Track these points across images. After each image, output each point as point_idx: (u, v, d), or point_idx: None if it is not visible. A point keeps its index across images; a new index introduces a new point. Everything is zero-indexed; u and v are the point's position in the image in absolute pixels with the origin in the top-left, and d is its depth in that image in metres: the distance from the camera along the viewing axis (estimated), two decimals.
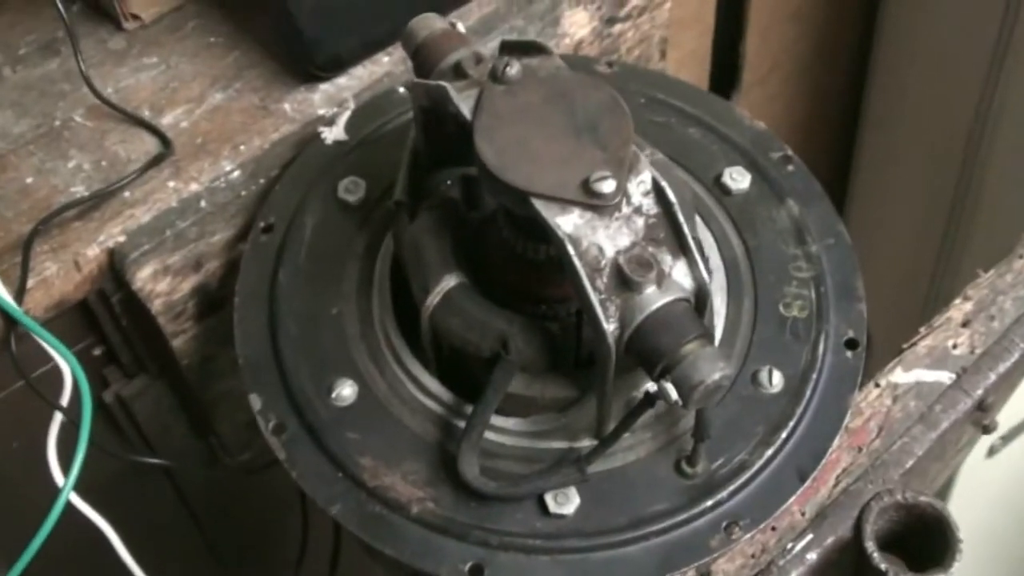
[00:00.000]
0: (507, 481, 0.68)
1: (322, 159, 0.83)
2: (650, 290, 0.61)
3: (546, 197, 0.61)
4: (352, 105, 0.86)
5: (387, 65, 0.92)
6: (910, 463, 0.74)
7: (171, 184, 0.85)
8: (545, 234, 0.66)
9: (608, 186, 0.61)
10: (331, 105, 0.89)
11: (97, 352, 0.93)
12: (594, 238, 0.61)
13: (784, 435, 0.70)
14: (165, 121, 0.88)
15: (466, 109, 0.65)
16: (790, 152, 0.83)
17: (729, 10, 1.22)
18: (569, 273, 0.61)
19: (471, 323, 0.68)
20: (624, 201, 0.62)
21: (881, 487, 0.73)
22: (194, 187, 0.85)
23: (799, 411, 0.71)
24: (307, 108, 0.89)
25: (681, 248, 0.63)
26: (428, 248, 0.70)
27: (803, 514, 0.72)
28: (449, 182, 0.76)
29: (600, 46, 0.98)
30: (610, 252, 0.61)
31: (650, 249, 0.62)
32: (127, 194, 0.84)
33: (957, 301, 0.80)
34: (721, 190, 0.80)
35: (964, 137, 1.29)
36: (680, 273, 0.63)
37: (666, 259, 0.62)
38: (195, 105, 0.90)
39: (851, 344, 0.74)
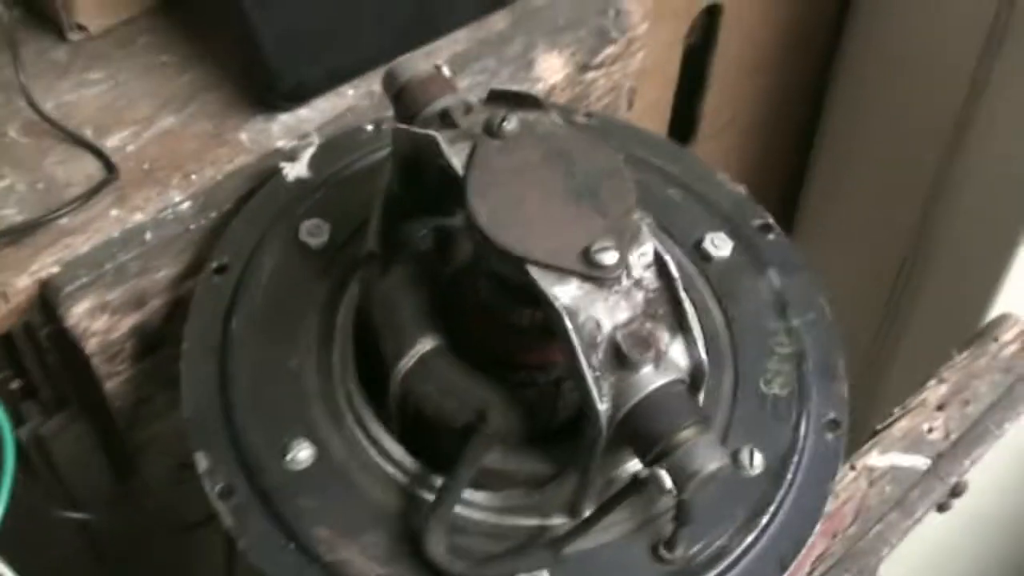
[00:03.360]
0: (473, 561, 0.63)
1: (282, 197, 0.77)
2: (647, 370, 0.58)
3: (543, 265, 0.57)
4: (316, 140, 0.81)
5: (351, 99, 0.87)
6: (885, 551, 0.71)
7: (113, 213, 0.78)
8: (530, 299, 0.63)
9: (610, 257, 0.57)
10: (291, 137, 0.83)
11: (13, 386, 0.86)
12: (592, 311, 0.57)
13: (765, 520, 0.67)
14: (110, 143, 0.82)
15: (458, 163, 0.61)
16: (771, 220, 0.80)
17: (693, 61, 1.21)
18: (564, 347, 0.57)
19: (447, 391, 0.63)
20: (625, 273, 0.58)
21: None
22: (139, 217, 0.78)
23: (780, 495, 0.68)
24: (265, 139, 0.83)
25: (680, 326, 0.59)
26: (402, 306, 0.65)
27: None
28: (423, 233, 0.71)
29: (572, 93, 0.95)
30: (607, 327, 0.58)
31: (648, 325, 0.58)
32: (64, 221, 0.77)
33: (932, 383, 0.79)
34: (701, 256, 0.77)
35: (916, 206, 1.30)
36: (677, 352, 0.59)
37: (663, 336, 0.59)
38: (143, 128, 0.83)
39: (832, 425, 0.71)
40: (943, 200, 1.27)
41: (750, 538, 0.66)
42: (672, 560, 0.65)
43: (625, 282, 0.58)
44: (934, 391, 0.78)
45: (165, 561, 1.15)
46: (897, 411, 0.77)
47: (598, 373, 0.57)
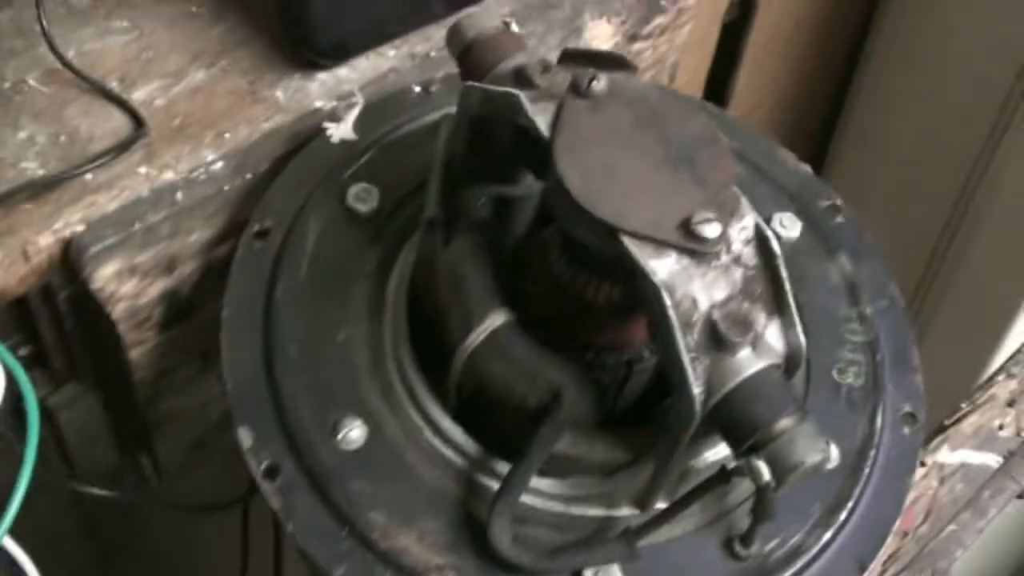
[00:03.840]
0: (539, 552, 0.59)
1: (327, 160, 0.72)
2: (744, 353, 0.53)
3: (639, 236, 0.53)
4: (361, 101, 0.76)
5: (393, 60, 0.82)
6: (959, 553, 0.68)
7: (142, 170, 0.73)
8: (607, 274, 0.58)
9: (712, 230, 0.53)
10: (330, 98, 0.78)
11: (23, 353, 0.80)
12: (689, 288, 0.53)
13: (843, 516, 0.63)
14: (136, 97, 0.76)
15: (542, 124, 0.56)
16: (839, 201, 0.76)
17: (728, 40, 1.17)
18: (659, 326, 0.53)
19: (520, 370, 0.59)
20: (724, 249, 0.54)
21: None
22: (169, 175, 0.73)
23: (857, 490, 0.64)
24: (303, 98, 0.78)
25: (778, 307, 0.55)
26: (470, 277, 0.61)
27: None
28: (481, 201, 0.67)
29: None
30: (704, 306, 0.53)
31: (745, 305, 0.54)
32: (89, 177, 0.72)
33: (1001, 378, 0.75)
34: None
35: (948, 196, 1.27)
36: (773, 335, 0.55)
37: (760, 318, 0.55)
38: (172, 82, 0.78)
39: (909, 419, 0.68)
40: (979, 189, 1.24)
41: (827, 535, 0.63)
42: (747, 557, 0.61)
43: (724, 258, 0.54)
44: (1003, 386, 0.74)
45: (162, 542, 1.10)
46: (965, 406, 0.74)
47: (693, 355, 0.53)
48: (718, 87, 1.25)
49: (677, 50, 0.96)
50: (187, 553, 1.13)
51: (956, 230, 1.28)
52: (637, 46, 0.92)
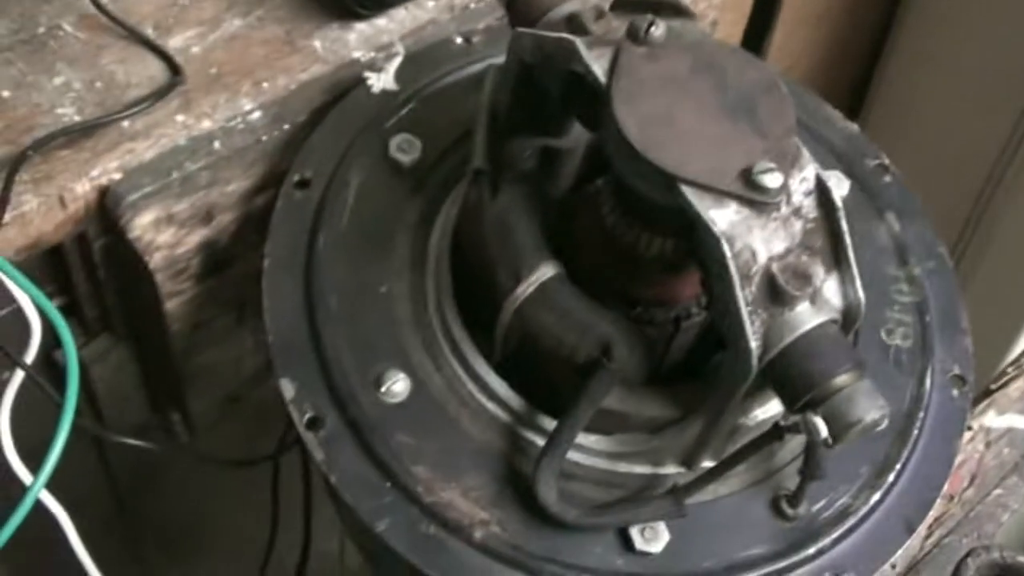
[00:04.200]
0: (585, 508, 0.58)
1: (369, 110, 0.71)
2: (802, 307, 0.52)
3: (699, 185, 0.52)
4: (402, 51, 0.75)
5: (432, 11, 0.80)
6: (1005, 517, 0.67)
7: (179, 118, 0.72)
8: (664, 226, 0.57)
9: (774, 180, 0.51)
10: (368, 49, 0.77)
11: (56, 303, 0.79)
12: (748, 239, 0.52)
13: (891, 478, 0.62)
14: (172, 44, 0.75)
15: (599, 70, 0.55)
16: (887, 161, 0.75)
17: (763, 3, 1.15)
18: (718, 278, 0.52)
19: (570, 322, 0.57)
20: (785, 200, 0.53)
21: (976, 542, 0.66)
22: (207, 124, 0.72)
23: (906, 453, 0.63)
24: (341, 49, 0.77)
25: (836, 261, 0.54)
26: (519, 229, 0.59)
27: (894, 567, 0.65)
28: (527, 154, 0.65)
29: None
30: (763, 258, 0.52)
31: (804, 258, 0.53)
32: (126, 124, 0.71)
33: None
34: None
35: (981, 166, 1.25)
36: (831, 289, 0.54)
37: (819, 272, 0.54)
38: (208, 29, 0.77)
39: (958, 381, 0.67)
40: (1019, 153, 1.22)
41: (876, 497, 0.62)
42: (795, 516, 0.60)
43: (784, 209, 0.53)
44: None
45: (190, 501, 1.10)
46: (1011, 370, 0.73)
47: (751, 308, 0.52)
48: (751, 49, 1.23)
49: (716, 8, 0.95)
50: (216, 513, 1.12)
51: (992, 196, 1.27)
52: None
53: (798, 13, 1.21)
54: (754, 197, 0.52)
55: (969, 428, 0.70)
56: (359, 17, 0.78)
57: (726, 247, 0.51)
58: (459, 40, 0.76)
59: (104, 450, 0.98)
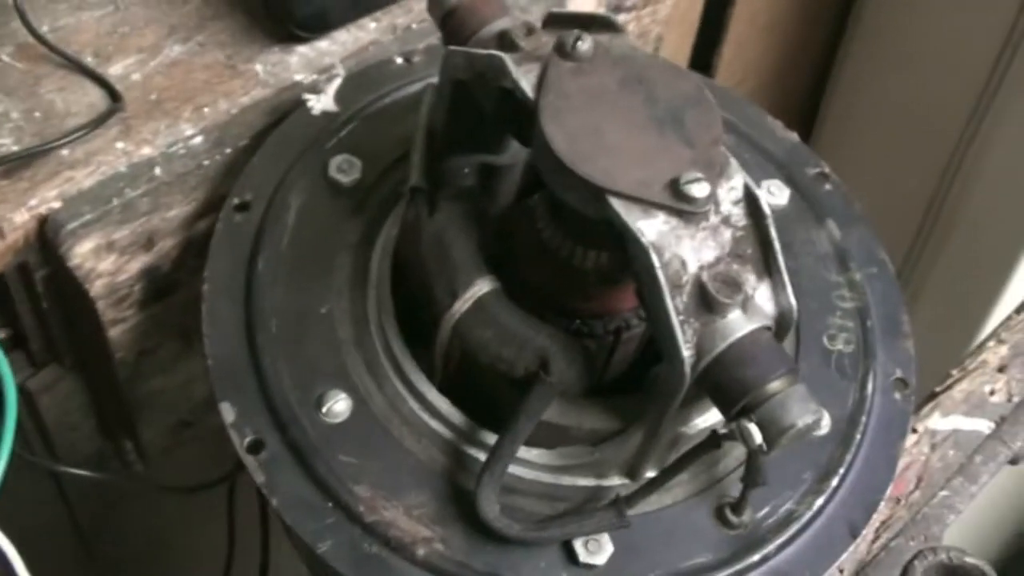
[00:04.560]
0: (529, 522, 0.58)
1: (309, 131, 0.71)
2: (734, 314, 0.53)
3: (627, 197, 0.52)
4: (342, 72, 0.75)
5: (374, 32, 0.80)
6: (951, 519, 0.67)
7: (119, 145, 0.72)
8: (598, 239, 0.57)
9: (700, 189, 0.52)
10: (310, 71, 0.77)
11: (0, 336, 0.79)
12: (677, 249, 0.52)
13: (835, 483, 0.63)
14: (112, 71, 0.75)
15: (527, 86, 0.55)
16: (827, 169, 0.76)
17: (713, 12, 1.16)
18: (648, 288, 0.52)
19: (507, 337, 0.58)
20: (713, 209, 0.53)
21: (923, 544, 0.66)
22: (147, 151, 0.72)
23: (849, 457, 0.64)
24: (282, 72, 0.77)
25: (767, 268, 0.54)
26: (455, 246, 0.60)
27: (842, 571, 0.65)
28: (466, 170, 0.66)
29: None
30: (693, 267, 0.53)
31: (735, 266, 0.53)
32: (65, 152, 0.70)
33: (991, 344, 0.75)
34: None
35: (934, 173, 1.26)
36: (763, 296, 0.54)
37: (750, 279, 0.54)
38: (149, 56, 0.77)
39: (900, 384, 0.67)
40: (965, 165, 1.24)
41: (820, 502, 0.62)
42: (739, 524, 0.61)
43: (713, 218, 0.53)
44: (994, 352, 0.74)
45: (150, 529, 1.09)
46: (956, 372, 0.73)
47: (683, 317, 0.52)
48: (702, 62, 1.24)
49: (660, 23, 0.96)
50: (174, 538, 1.11)
51: (943, 200, 1.28)
52: (620, 18, 0.91)
53: (747, 25, 1.22)
54: (682, 207, 0.52)
55: (914, 431, 0.70)
56: (301, 40, 0.78)
57: (655, 257, 0.51)
58: (399, 60, 0.76)
59: (60, 480, 0.97)
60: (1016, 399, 0.72)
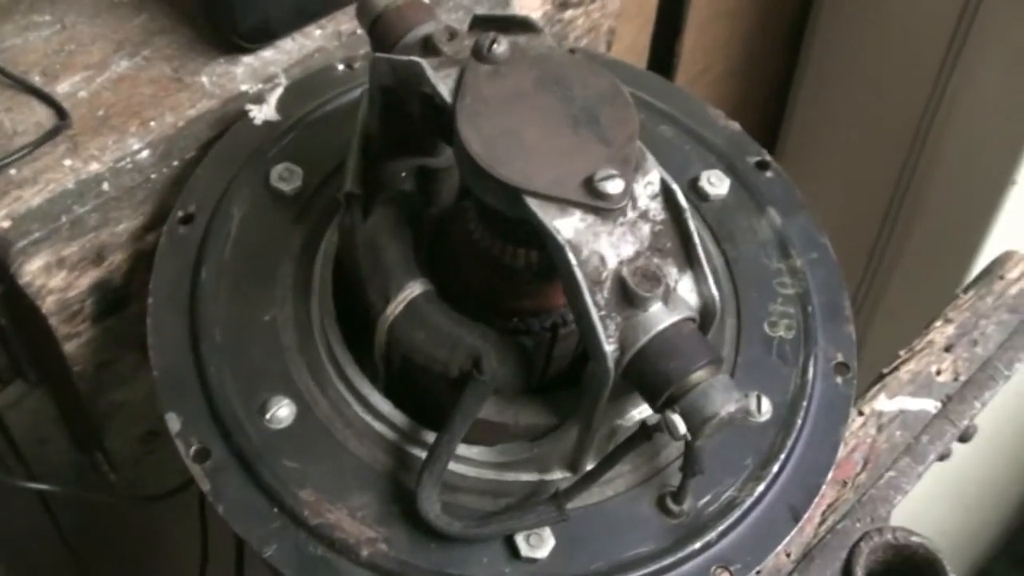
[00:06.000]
0: (471, 519, 0.59)
1: (250, 141, 0.72)
2: (656, 307, 0.53)
3: (543, 196, 0.53)
4: (284, 82, 0.76)
5: (319, 39, 0.81)
6: (898, 499, 0.68)
7: (67, 163, 0.72)
8: (526, 238, 0.58)
9: (615, 186, 0.53)
10: (256, 81, 0.78)
11: None
12: (596, 245, 0.53)
13: (776, 469, 0.63)
14: (60, 89, 0.76)
15: (445, 90, 0.56)
16: (768, 157, 0.76)
17: (669, 5, 1.16)
18: (567, 285, 0.53)
19: (439, 338, 0.59)
20: (630, 204, 0.54)
21: (869, 525, 0.67)
22: (95, 167, 0.73)
23: (790, 442, 0.64)
24: (228, 83, 0.78)
25: (689, 260, 0.55)
26: (388, 250, 0.61)
27: (788, 555, 0.66)
28: (403, 174, 0.67)
29: (549, 32, 0.90)
30: (612, 262, 0.53)
31: (655, 260, 0.54)
32: (13, 172, 0.71)
33: (938, 324, 0.75)
34: (697, 195, 0.73)
35: (900, 154, 1.26)
36: (686, 288, 0.55)
37: (671, 272, 0.55)
38: (96, 73, 0.78)
39: (841, 368, 0.68)
40: (928, 146, 1.24)
41: (760, 488, 0.63)
42: (680, 512, 0.61)
43: (630, 214, 0.54)
44: (941, 332, 0.74)
45: (132, 536, 1.11)
46: (903, 353, 0.74)
47: (604, 312, 0.53)
48: (662, 53, 1.24)
49: (611, 16, 0.96)
50: (157, 542, 1.13)
51: (909, 183, 1.28)
52: (569, 13, 0.92)
53: (705, 12, 1.22)
54: (597, 204, 0.53)
55: (860, 413, 0.71)
56: (246, 51, 0.79)
57: (571, 255, 0.52)
58: (341, 67, 0.77)
59: (43, 493, 0.99)
60: (963, 378, 0.73)
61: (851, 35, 1.32)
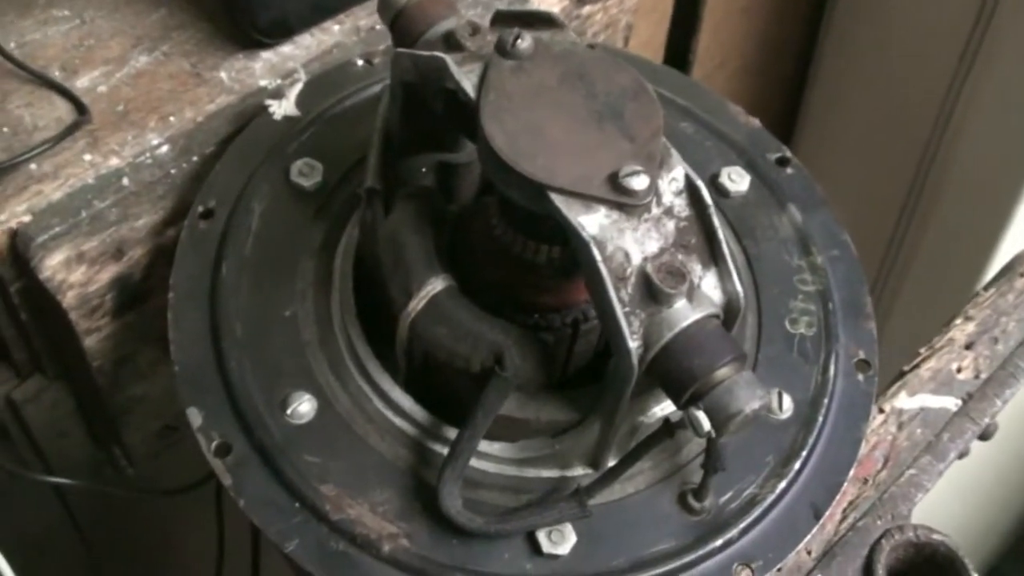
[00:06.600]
0: (493, 515, 0.59)
1: (270, 136, 0.72)
2: (680, 304, 0.53)
3: (568, 192, 0.53)
4: (303, 77, 0.76)
5: (337, 35, 0.81)
6: (919, 496, 0.68)
7: (87, 157, 0.73)
8: (548, 234, 0.58)
9: (640, 182, 0.53)
10: (274, 76, 0.78)
11: None
12: (620, 242, 0.53)
13: (797, 466, 0.63)
14: (79, 84, 0.76)
15: (469, 86, 0.56)
16: (788, 153, 0.76)
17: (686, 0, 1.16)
18: (591, 281, 0.53)
19: (461, 333, 0.58)
20: (655, 201, 0.54)
21: (891, 523, 0.67)
22: (115, 162, 0.73)
23: (811, 439, 0.64)
24: (247, 78, 0.78)
25: (713, 257, 0.55)
26: (409, 245, 0.60)
27: (809, 553, 0.66)
28: (424, 170, 0.67)
29: None
30: (637, 259, 0.53)
31: (679, 256, 0.54)
32: (33, 167, 0.72)
33: (958, 321, 0.75)
34: (718, 191, 0.73)
35: (917, 151, 1.26)
36: (710, 285, 0.55)
37: (695, 268, 0.55)
38: (115, 68, 0.78)
39: (863, 366, 0.68)
40: (945, 143, 1.23)
41: (782, 485, 0.63)
42: (702, 510, 0.61)
43: (655, 210, 0.54)
44: (961, 329, 0.74)
45: (148, 531, 1.11)
46: (924, 351, 0.73)
47: (628, 309, 0.53)
48: (679, 49, 1.24)
49: (629, 12, 0.96)
50: (173, 538, 1.13)
51: (925, 179, 1.28)
52: (587, 9, 0.92)
53: (721, 8, 1.22)
54: (622, 200, 0.53)
55: (881, 411, 0.70)
56: (264, 46, 0.79)
57: (596, 251, 0.52)
58: (360, 62, 0.77)
59: (57, 486, 0.99)
60: (983, 376, 0.72)
61: (867, 31, 1.32)
